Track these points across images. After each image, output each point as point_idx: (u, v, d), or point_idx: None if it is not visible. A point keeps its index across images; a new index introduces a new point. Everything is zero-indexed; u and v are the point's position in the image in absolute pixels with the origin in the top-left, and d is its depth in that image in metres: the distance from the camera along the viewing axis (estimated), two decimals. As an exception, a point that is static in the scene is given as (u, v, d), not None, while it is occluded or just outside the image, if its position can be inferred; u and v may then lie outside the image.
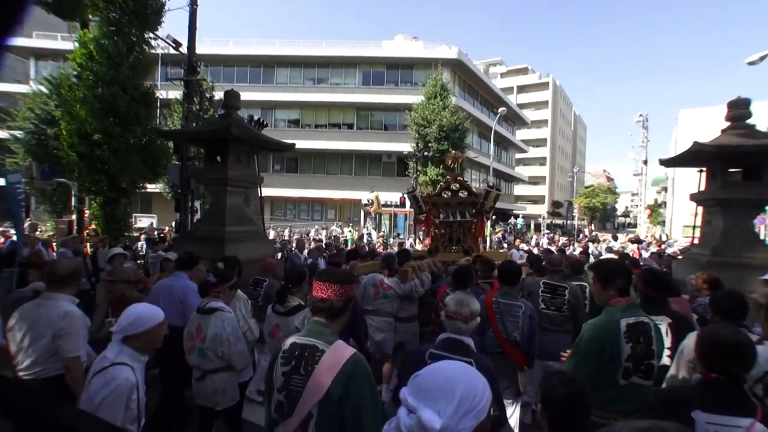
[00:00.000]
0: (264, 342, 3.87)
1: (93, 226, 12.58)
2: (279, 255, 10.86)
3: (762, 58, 14.12)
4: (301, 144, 31.83)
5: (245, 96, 31.72)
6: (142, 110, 11.97)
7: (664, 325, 2.89)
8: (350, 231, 22.28)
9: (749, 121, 5.70)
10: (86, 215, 13.62)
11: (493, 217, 9.98)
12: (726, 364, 1.71)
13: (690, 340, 2.43)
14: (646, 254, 11.16)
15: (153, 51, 13.33)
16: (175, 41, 12.99)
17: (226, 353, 3.02)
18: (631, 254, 10.19)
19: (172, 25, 16.33)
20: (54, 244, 9.92)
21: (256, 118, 14.61)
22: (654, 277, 3.29)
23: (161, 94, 14.84)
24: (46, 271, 3.04)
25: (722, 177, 5.63)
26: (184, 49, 11.92)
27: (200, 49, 32.21)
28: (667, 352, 2.78)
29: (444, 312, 2.40)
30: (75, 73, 11.84)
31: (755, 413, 1.65)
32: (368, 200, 19.40)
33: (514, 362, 3.40)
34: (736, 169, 5.66)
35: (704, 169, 6.33)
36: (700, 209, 6.70)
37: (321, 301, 1.89)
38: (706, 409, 1.68)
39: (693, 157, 5.77)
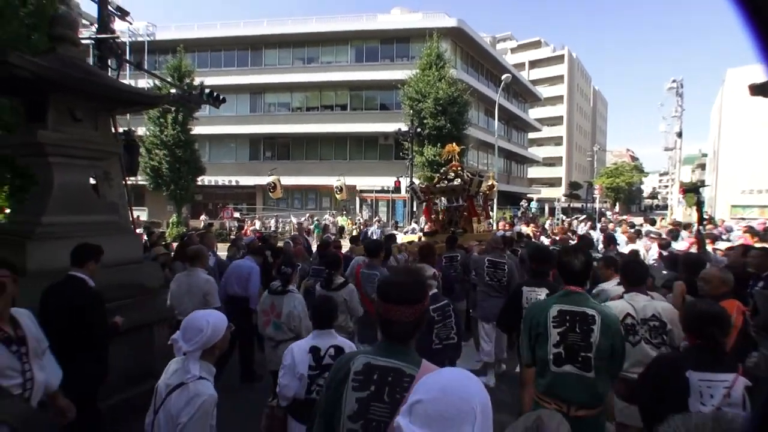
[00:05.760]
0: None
1: None
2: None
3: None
4: (292, 128, 30.03)
5: (233, 81, 29.60)
6: None
7: (542, 295, 3.40)
8: (314, 221, 20.06)
9: None
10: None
11: (485, 201, 11.09)
12: (708, 331, 2.03)
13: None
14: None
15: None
16: (119, 9, 10.88)
17: (296, 327, 3.70)
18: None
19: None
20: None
21: (207, 90, 12.66)
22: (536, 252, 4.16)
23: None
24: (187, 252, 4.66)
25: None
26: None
27: (186, 34, 30.59)
28: None
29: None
30: None
31: (737, 369, 1.97)
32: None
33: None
34: None
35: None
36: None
37: (394, 324, 1.49)
38: (698, 368, 1.97)
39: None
